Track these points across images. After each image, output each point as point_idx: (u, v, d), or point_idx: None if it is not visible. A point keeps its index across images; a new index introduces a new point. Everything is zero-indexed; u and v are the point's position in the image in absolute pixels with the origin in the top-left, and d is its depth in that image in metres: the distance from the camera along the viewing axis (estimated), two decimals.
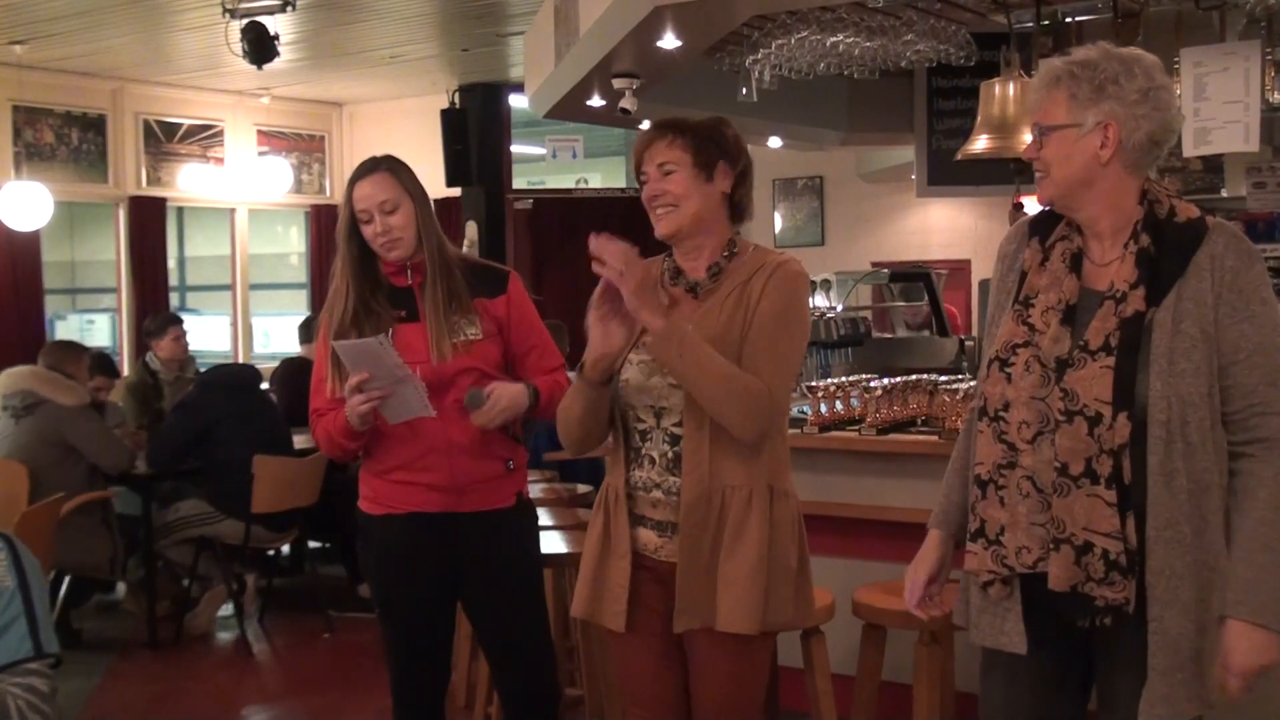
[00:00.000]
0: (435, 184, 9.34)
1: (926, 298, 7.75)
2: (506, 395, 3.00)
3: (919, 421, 4.08)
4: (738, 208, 2.69)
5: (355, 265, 3.07)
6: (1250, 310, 2.18)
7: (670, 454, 2.60)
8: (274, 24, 7.19)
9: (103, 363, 6.62)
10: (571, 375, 2.72)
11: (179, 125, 10.32)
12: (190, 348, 7.19)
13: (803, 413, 4.11)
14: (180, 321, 7.11)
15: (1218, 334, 2.17)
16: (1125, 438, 2.15)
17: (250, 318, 11.18)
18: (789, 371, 2.62)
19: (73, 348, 6.22)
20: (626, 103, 5.74)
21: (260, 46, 7.18)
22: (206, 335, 12.06)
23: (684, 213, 2.62)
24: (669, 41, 4.85)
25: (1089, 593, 2.18)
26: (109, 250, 10.33)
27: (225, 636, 6.07)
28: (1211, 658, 2.17)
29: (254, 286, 11.31)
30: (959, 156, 4.99)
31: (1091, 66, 2.22)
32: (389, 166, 3.08)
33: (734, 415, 2.50)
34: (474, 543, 3.09)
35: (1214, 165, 6.59)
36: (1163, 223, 2.24)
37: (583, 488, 5.05)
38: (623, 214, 10.77)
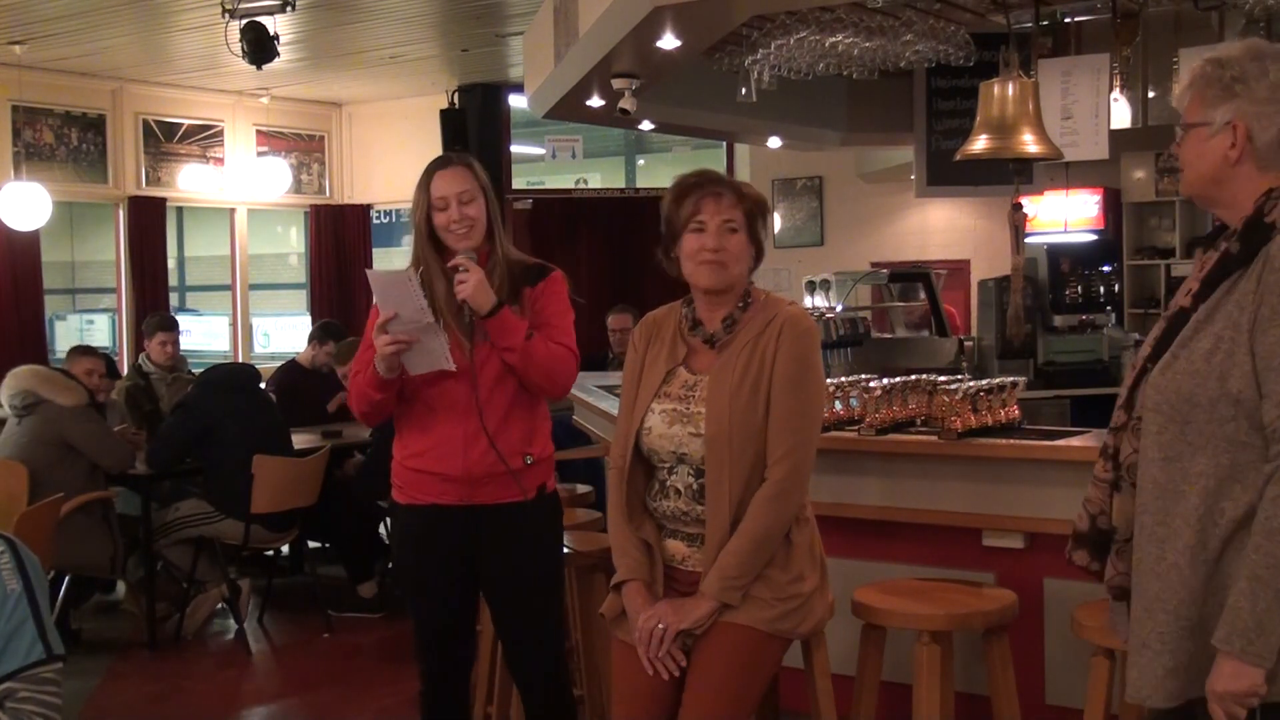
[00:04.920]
0: None
1: (926, 298, 7.75)
2: (475, 274, 3.03)
3: (918, 421, 4.07)
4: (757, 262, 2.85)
5: (430, 251, 3.17)
6: None
7: (695, 485, 2.71)
8: (274, 24, 7.19)
9: (105, 365, 6.64)
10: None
11: (178, 125, 10.32)
12: (181, 351, 7.17)
13: None
14: (171, 328, 7.05)
15: (1253, 337, 2.04)
16: (1119, 424, 2.20)
17: (250, 318, 11.17)
18: (811, 437, 2.75)
19: (84, 352, 6.27)
20: (626, 103, 5.73)
21: (260, 47, 7.17)
22: (206, 335, 12.06)
23: (733, 272, 2.75)
24: (668, 42, 4.85)
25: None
26: (109, 250, 10.33)
27: (225, 637, 6.07)
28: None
29: (253, 287, 11.31)
30: (958, 157, 4.99)
31: (1223, 64, 2.15)
32: (468, 161, 3.28)
33: (788, 524, 2.70)
34: (491, 534, 3.17)
35: None
36: (1255, 223, 2.11)
37: (582, 488, 5.04)
38: (622, 214, 10.79)
